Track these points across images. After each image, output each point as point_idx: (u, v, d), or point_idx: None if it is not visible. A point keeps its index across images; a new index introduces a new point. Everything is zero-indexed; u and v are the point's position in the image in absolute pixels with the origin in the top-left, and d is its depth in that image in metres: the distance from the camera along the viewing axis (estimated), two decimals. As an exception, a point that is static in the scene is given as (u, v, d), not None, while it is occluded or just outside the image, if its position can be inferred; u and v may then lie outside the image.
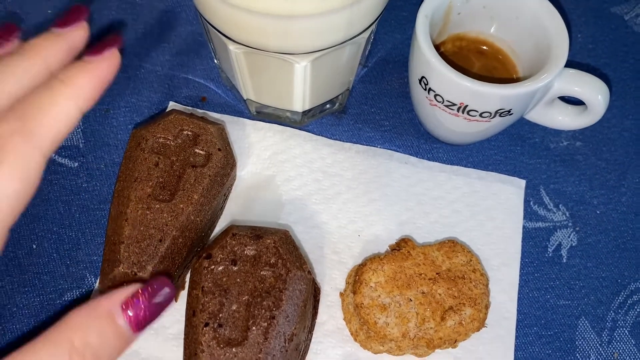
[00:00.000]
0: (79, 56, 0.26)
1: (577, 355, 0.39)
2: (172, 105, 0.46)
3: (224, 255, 0.35)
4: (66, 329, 0.23)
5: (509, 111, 0.39)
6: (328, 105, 0.46)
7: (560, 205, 0.44)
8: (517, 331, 0.39)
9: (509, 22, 0.43)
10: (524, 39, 0.42)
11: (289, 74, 0.39)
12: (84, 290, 0.39)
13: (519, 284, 0.41)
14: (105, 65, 0.25)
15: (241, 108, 0.47)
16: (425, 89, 0.40)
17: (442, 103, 0.39)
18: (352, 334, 0.38)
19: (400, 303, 0.36)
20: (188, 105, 0.46)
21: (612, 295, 0.41)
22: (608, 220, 0.44)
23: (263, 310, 0.33)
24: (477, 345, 0.38)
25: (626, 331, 0.40)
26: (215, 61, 0.47)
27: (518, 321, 0.40)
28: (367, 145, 0.45)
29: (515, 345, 0.39)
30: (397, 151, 0.45)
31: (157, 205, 0.36)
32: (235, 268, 0.34)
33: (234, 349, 0.32)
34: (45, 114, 0.23)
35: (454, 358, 0.38)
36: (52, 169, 0.43)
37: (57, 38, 0.25)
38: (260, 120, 0.46)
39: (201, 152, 0.39)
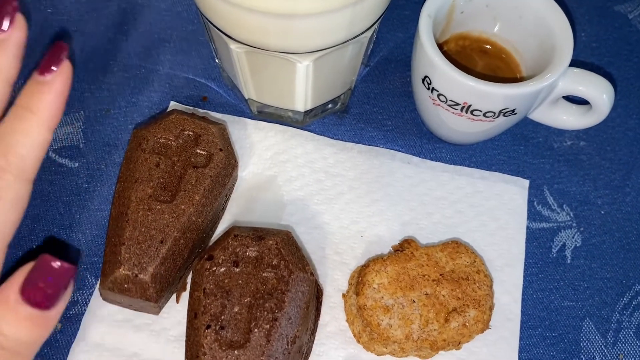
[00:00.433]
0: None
1: (582, 356, 0.39)
2: (173, 105, 0.46)
3: (225, 256, 0.34)
4: None
5: (513, 111, 0.38)
6: (330, 105, 0.46)
7: (564, 206, 0.44)
8: (521, 332, 0.39)
9: (512, 21, 0.43)
10: (528, 38, 0.42)
11: (291, 74, 0.39)
12: (84, 291, 0.39)
13: (523, 285, 0.41)
14: (60, 82, 0.26)
15: (242, 108, 0.46)
16: (428, 89, 0.40)
17: (446, 103, 0.39)
18: (355, 336, 0.38)
19: (403, 304, 0.36)
20: (189, 105, 0.46)
21: (617, 296, 0.41)
22: (612, 220, 0.44)
23: (265, 312, 0.33)
24: (481, 347, 0.38)
25: (631, 332, 0.40)
26: (217, 60, 0.47)
27: (522, 322, 0.40)
28: (369, 145, 0.45)
29: (519, 347, 0.39)
30: (400, 151, 0.45)
31: (158, 206, 0.36)
32: (237, 269, 0.34)
33: (236, 352, 0.32)
34: (24, 147, 0.25)
35: (458, 360, 0.38)
36: (52, 169, 0.43)
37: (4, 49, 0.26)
38: (261, 120, 0.45)
39: (202, 152, 0.38)
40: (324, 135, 0.45)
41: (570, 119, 0.43)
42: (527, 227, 0.43)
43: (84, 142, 0.44)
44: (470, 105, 0.38)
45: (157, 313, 0.37)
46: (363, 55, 0.43)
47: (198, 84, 0.47)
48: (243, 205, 0.42)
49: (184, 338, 0.35)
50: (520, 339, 0.39)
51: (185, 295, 0.38)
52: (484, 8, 0.43)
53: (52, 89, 0.26)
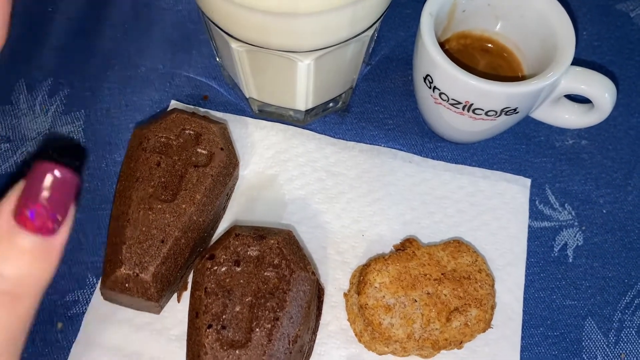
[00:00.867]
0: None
1: (584, 356, 0.39)
2: (173, 104, 0.46)
3: (227, 256, 0.34)
4: None
5: (514, 110, 0.38)
6: (331, 104, 0.46)
7: (566, 205, 0.44)
8: (523, 332, 0.39)
9: (514, 19, 0.43)
10: (530, 37, 0.42)
11: (292, 72, 0.39)
12: (85, 291, 0.39)
13: (525, 284, 0.40)
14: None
15: (243, 107, 0.46)
16: (430, 87, 0.39)
17: (447, 101, 0.39)
18: (356, 335, 0.37)
19: (405, 304, 0.36)
20: (190, 104, 0.46)
21: (618, 295, 0.41)
22: (614, 219, 0.44)
23: (267, 312, 0.33)
24: (482, 346, 0.38)
25: (633, 332, 0.40)
26: (217, 59, 0.46)
27: (524, 322, 0.39)
28: (370, 144, 0.45)
29: (521, 346, 0.39)
30: (401, 150, 0.45)
31: (159, 206, 0.36)
32: (238, 269, 0.34)
33: (237, 351, 0.32)
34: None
35: (460, 359, 0.38)
36: (53, 169, 0.43)
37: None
38: (262, 119, 0.45)
39: (203, 151, 0.38)
40: (325, 134, 0.45)
41: (572, 117, 0.43)
42: (529, 226, 0.43)
43: (85, 141, 0.44)
44: (471, 104, 0.38)
45: (158, 312, 0.37)
46: (364, 54, 0.43)
47: (199, 83, 0.47)
48: (244, 204, 0.42)
49: (185, 337, 0.35)
50: (522, 338, 0.39)
51: (186, 295, 0.38)
52: (486, 7, 0.43)
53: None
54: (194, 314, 0.33)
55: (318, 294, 0.38)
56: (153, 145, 0.38)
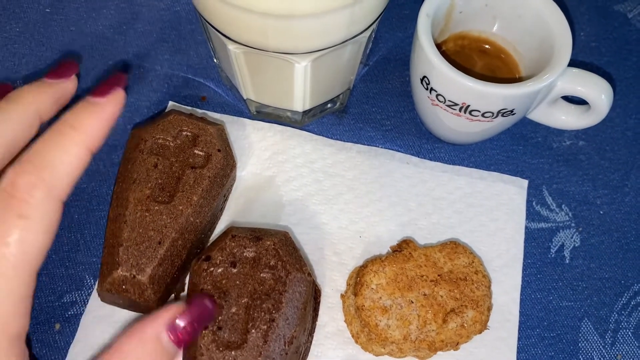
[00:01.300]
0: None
1: (580, 357, 0.39)
2: (171, 105, 0.46)
3: (223, 257, 0.34)
4: (120, 358, 0.25)
5: (511, 111, 0.38)
6: (329, 105, 0.46)
7: (563, 206, 0.44)
8: (519, 333, 0.39)
9: (511, 20, 0.43)
10: (527, 38, 0.42)
11: (289, 74, 0.39)
12: (83, 292, 0.39)
13: (522, 285, 0.41)
14: (111, 106, 0.26)
15: (241, 108, 0.46)
16: (427, 89, 0.40)
17: (444, 103, 0.39)
18: (353, 336, 0.38)
19: (401, 305, 0.36)
20: (188, 105, 0.46)
21: (615, 296, 0.41)
22: (611, 220, 0.44)
23: (263, 313, 0.33)
24: (479, 347, 0.38)
25: (629, 333, 0.40)
26: (215, 60, 0.46)
27: (520, 323, 0.39)
28: (368, 145, 0.45)
29: (517, 347, 0.39)
30: (399, 151, 0.45)
31: (156, 207, 0.36)
32: (234, 270, 0.34)
33: (233, 352, 0.32)
34: (61, 164, 0.24)
35: (456, 360, 0.38)
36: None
37: (48, 87, 0.27)
38: (260, 120, 0.45)
39: (200, 153, 0.38)
40: (322, 135, 0.45)
41: (569, 119, 0.43)
42: (526, 227, 0.43)
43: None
44: (468, 106, 0.38)
45: None
46: (362, 55, 0.43)
47: (197, 84, 0.47)
48: (241, 205, 0.42)
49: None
50: (519, 339, 0.39)
51: (183, 296, 0.38)
52: (483, 7, 0.43)
53: (101, 112, 0.26)
54: (191, 315, 0.33)
55: (315, 295, 0.38)
56: (150, 146, 0.38)
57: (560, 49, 0.38)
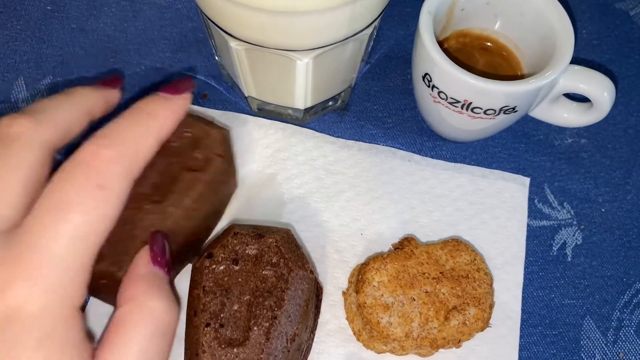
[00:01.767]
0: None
1: (582, 354, 0.39)
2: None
3: (225, 254, 0.34)
4: (138, 299, 0.27)
5: (513, 108, 0.38)
6: (330, 103, 0.46)
7: (564, 203, 0.44)
8: (521, 331, 0.39)
9: (513, 18, 0.43)
10: (529, 36, 0.42)
11: (291, 71, 0.39)
12: (84, 289, 0.39)
13: (523, 283, 0.41)
14: (182, 103, 0.28)
15: (243, 105, 0.46)
16: (428, 86, 0.39)
17: (446, 100, 0.39)
18: (354, 334, 0.38)
19: (403, 302, 0.36)
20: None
21: (617, 294, 0.41)
22: (613, 218, 0.44)
23: (265, 310, 0.33)
24: (481, 345, 0.38)
25: (632, 330, 0.40)
26: (217, 58, 0.46)
27: (522, 320, 0.39)
28: (369, 142, 0.45)
29: (519, 345, 0.39)
30: (400, 149, 0.45)
31: (147, 206, 0.35)
32: (236, 267, 0.34)
33: (235, 350, 0.32)
34: (136, 145, 0.26)
35: (458, 358, 0.38)
36: (52, 168, 0.43)
37: (100, 91, 0.30)
38: (261, 118, 0.45)
39: (199, 156, 0.38)
40: (324, 133, 0.45)
41: (571, 116, 0.43)
42: (528, 225, 0.43)
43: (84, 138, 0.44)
44: (470, 103, 0.38)
45: None
46: (363, 53, 0.43)
47: (198, 82, 0.47)
48: (243, 203, 0.42)
49: (184, 336, 0.35)
50: (521, 337, 0.39)
51: (184, 294, 0.38)
52: (485, 5, 0.43)
53: (173, 106, 0.27)
54: (192, 313, 0.33)
55: (317, 292, 0.38)
56: None
57: (562, 46, 0.38)
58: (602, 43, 0.51)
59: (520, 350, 0.39)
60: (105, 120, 0.27)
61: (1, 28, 0.48)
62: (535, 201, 0.44)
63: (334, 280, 0.40)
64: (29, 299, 0.22)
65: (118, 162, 0.25)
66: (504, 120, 0.40)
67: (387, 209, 0.42)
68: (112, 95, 0.31)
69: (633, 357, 0.39)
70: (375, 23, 0.39)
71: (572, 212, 0.44)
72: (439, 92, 0.39)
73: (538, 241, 0.42)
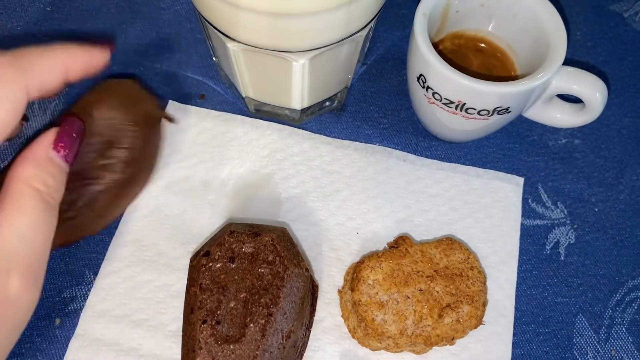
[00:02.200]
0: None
1: (575, 352, 0.39)
2: (171, 103, 0.46)
3: (222, 252, 0.35)
4: (25, 180, 0.29)
5: (507, 109, 0.39)
6: (327, 103, 0.46)
7: (558, 203, 0.44)
8: (514, 328, 0.40)
9: (506, 20, 0.43)
10: (522, 37, 0.42)
11: (287, 72, 0.39)
12: (83, 287, 0.39)
13: (517, 281, 0.41)
14: (95, 53, 0.33)
15: (240, 106, 0.47)
16: (423, 87, 0.40)
17: (440, 101, 0.39)
18: (350, 331, 0.38)
19: (397, 300, 0.36)
20: (187, 103, 0.46)
21: (609, 292, 0.41)
22: (606, 217, 0.44)
23: (261, 308, 0.33)
24: (474, 342, 0.39)
25: (623, 328, 0.40)
26: (214, 59, 0.47)
27: (516, 318, 0.40)
28: (365, 142, 0.45)
29: (512, 343, 0.39)
30: (396, 149, 0.45)
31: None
32: (233, 265, 0.34)
33: (231, 346, 0.32)
34: (37, 63, 0.30)
35: (452, 355, 0.38)
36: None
37: (81, 51, 0.33)
38: (259, 118, 0.46)
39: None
40: (320, 133, 0.46)
41: (564, 117, 0.43)
42: (522, 224, 0.43)
43: (83, 139, 0.45)
44: (464, 104, 0.39)
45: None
46: (359, 54, 0.43)
47: (196, 82, 0.48)
48: (239, 202, 0.42)
49: (181, 333, 0.35)
50: (514, 334, 0.39)
51: (181, 292, 0.38)
52: (479, 7, 0.43)
53: (84, 52, 0.33)
54: (189, 310, 0.34)
55: (312, 290, 0.38)
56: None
57: (555, 47, 0.39)
58: (596, 45, 0.52)
59: (514, 347, 0.39)
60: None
61: (1, 29, 0.49)
62: (529, 201, 0.44)
63: (330, 278, 0.40)
64: None
65: (19, 70, 0.29)
66: (498, 121, 0.41)
67: (383, 208, 0.43)
68: (96, 58, 0.33)
69: (625, 355, 0.39)
70: (371, 24, 0.40)
71: (565, 212, 0.44)
72: (434, 93, 0.39)
73: (532, 240, 0.43)
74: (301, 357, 0.37)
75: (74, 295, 0.39)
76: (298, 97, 0.42)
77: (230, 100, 0.47)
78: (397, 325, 0.36)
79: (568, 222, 0.44)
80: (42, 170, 0.30)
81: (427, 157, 0.45)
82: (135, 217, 0.41)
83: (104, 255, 0.40)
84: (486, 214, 0.43)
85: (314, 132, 0.46)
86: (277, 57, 0.38)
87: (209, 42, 0.44)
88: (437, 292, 0.37)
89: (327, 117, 0.47)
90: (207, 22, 0.38)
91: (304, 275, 0.35)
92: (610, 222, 0.44)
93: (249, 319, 0.33)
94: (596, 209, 0.44)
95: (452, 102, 0.39)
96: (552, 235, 0.43)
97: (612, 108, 0.48)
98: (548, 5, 0.40)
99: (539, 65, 0.39)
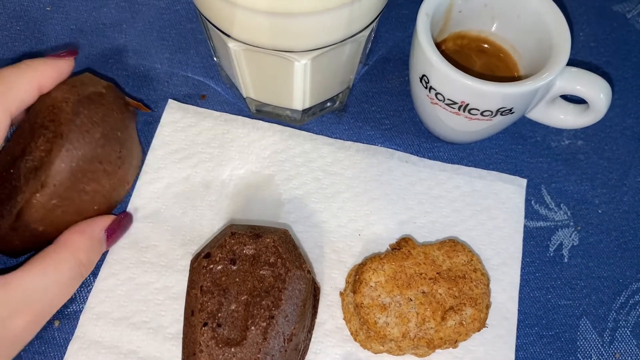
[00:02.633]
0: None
1: (579, 355, 0.39)
2: (170, 102, 0.46)
3: (223, 254, 0.35)
4: (73, 249, 0.34)
5: (510, 110, 0.39)
6: (328, 104, 0.46)
7: (561, 205, 0.44)
8: (518, 331, 0.39)
9: (510, 20, 0.43)
10: (526, 38, 0.42)
11: (289, 72, 0.39)
12: (82, 289, 0.39)
13: (520, 283, 0.41)
14: (62, 63, 0.36)
15: (241, 106, 0.46)
16: (426, 88, 0.40)
17: (443, 102, 0.39)
18: (352, 334, 0.38)
19: (400, 303, 0.36)
20: (188, 103, 0.46)
21: (613, 295, 0.41)
22: (610, 219, 0.44)
23: (262, 310, 0.33)
24: (477, 345, 0.38)
25: (628, 331, 0.40)
26: (215, 59, 0.47)
27: (519, 321, 0.40)
28: (367, 143, 0.45)
29: (516, 346, 0.39)
30: (398, 150, 0.45)
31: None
32: (234, 267, 0.34)
33: (232, 349, 0.32)
34: (14, 84, 0.34)
35: (455, 358, 0.38)
36: None
37: (50, 64, 0.36)
38: (260, 119, 0.45)
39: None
40: (322, 134, 0.45)
41: (567, 118, 0.43)
42: (525, 226, 0.43)
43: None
44: (467, 104, 0.38)
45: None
46: (361, 54, 0.43)
47: (197, 83, 0.47)
48: (240, 203, 0.42)
49: (181, 336, 0.35)
50: (517, 337, 0.39)
51: (182, 294, 0.38)
52: (482, 7, 0.43)
53: (53, 64, 0.36)
54: (190, 312, 0.34)
55: (314, 292, 0.38)
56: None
57: (559, 48, 0.39)
58: (599, 45, 0.52)
59: (517, 350, 0.39)
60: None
61: (1, 29, 0.49)
62: (532, 202, 0.44)
63: (332, 280, 0.40)
64: None
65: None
66: (501, 122, 0.40)
67: (385, 210, 0.42)
68: (64, 66, 0.36)
69: (629, 358, 0.39)
70: (373, 25, 0.39)
71: (568, 214, 0.44)
72: (437, 94, 0.39)
73: (535, 242, 0.43)
74: (303, 360, 0.37)
75: (73, 297, 0.39)
76: (299, 98, 0.42)
77: (231, 101, 0.47)
78: (400, 328, 0.35)
79: (571, 223, 0.43)
80: (91, 246, 0.35)
81: (429, 158, 0.45)
82: (135, 218, 0.41)
83: (104, 257, 0.40)
84: (489, 215, 0.43)
85: (316, 133, 0.45)
86: (279, 57, 0.37)
87: (210, 42, 0.43)
88: (440, 294, 0.36)
89: (329, 117, 0.46)
90: (208, 22, 0.38)
91: (305, 278, 0.35)
92: (614, 224, 0.44)
93: (250, 321, 0.32)
94: (600, 211, 0.44)
95: (455, 103, 0.39)
96: (555, 237, 0.43)
97: (616, 109, 0.48)
98: (552, 6, 0.40)
99: (543, 66, 0.38)
